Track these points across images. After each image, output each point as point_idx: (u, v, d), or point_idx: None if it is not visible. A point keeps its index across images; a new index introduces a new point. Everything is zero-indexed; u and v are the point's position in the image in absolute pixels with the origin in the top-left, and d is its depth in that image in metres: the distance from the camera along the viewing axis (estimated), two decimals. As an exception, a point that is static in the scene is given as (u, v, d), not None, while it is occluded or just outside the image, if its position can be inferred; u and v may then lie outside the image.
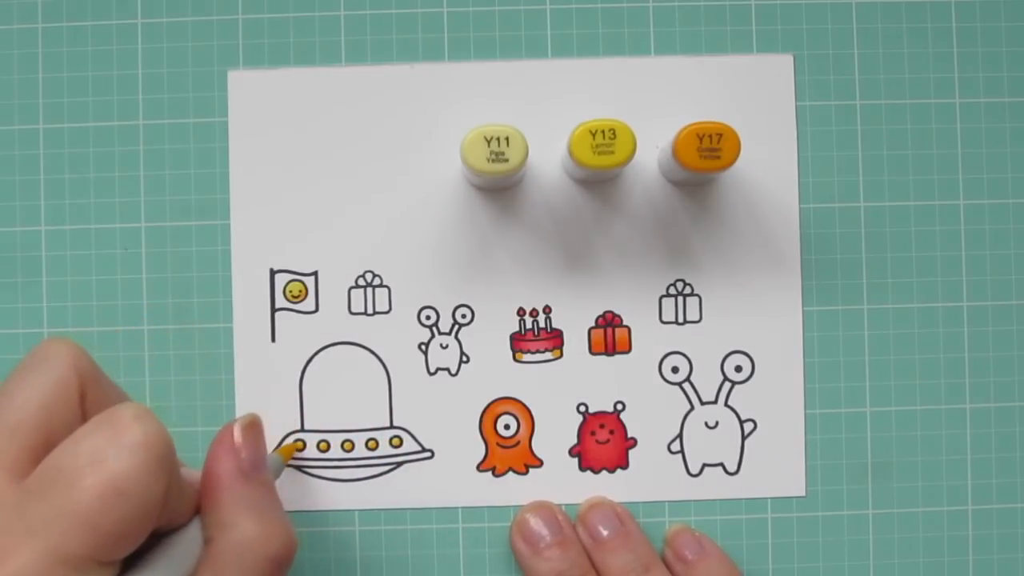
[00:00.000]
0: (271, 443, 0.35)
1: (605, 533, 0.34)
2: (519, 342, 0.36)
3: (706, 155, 0.32)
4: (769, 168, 0.36)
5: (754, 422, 0.36)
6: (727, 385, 0.36)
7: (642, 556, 0.34)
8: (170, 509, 0.25)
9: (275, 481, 0.31)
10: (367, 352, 0.36)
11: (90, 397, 0.26)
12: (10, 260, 0.36)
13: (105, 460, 0.22)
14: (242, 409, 0.36)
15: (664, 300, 0.36)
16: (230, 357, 0.36)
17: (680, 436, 0.36)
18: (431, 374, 0.36)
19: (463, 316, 0.36)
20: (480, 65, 0.36)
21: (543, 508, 0.35)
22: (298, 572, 0.35)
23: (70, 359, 0.25)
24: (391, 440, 0.36)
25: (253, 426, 0.29)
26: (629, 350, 0.36)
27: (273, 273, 0.36)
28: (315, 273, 0.36)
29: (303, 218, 0.36)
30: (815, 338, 0.36)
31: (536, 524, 0.35)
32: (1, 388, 0.26)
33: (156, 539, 0.25)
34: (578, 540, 0.35)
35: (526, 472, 0.36)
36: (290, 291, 0.36)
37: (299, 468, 0.36)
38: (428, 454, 0.36)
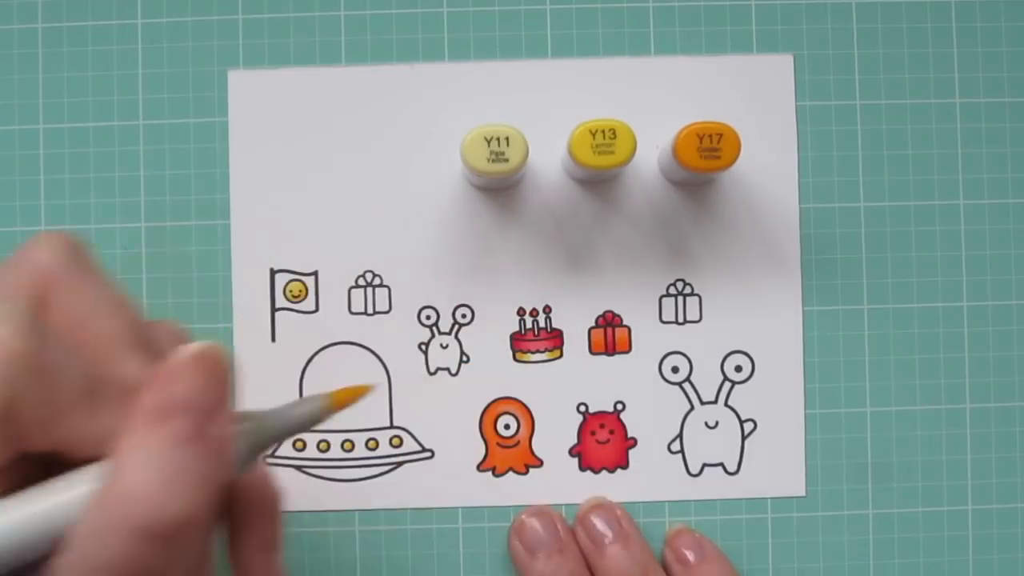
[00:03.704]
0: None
1: (604, 535, 0.34)
2: (519, 342, 0.36)
3: (706, 155, 0.32)
4: (769, 168, 0.36)
5: (754, 422, 0.36)
6: (727, 385, 0.36)
7: (640, 560, 0.34)
8: (48, 428, 0.21)
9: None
10: (367, 352, 0.36)
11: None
12: (10, 260, 0.36)
13: None
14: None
15: (664, 300, 0.36)
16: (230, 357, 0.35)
17: (680, 436, 0.36)
18: (431, 374, 0.36)
19: (463, 316, 0.36)
20: (480, 65, 0.36)
21: (542, 513, 0.35)
22: (298, 572, 0.35)
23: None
24: (391, 440, 0.36)
25: (207, 359, 0.22)
26: (629, 350, 0.36)
27: (273, 273, 0.36)
28: (315, 273, 0.36)
29: (303, 218, 0.36)
30: (815, 338, 0.36)
31: (535, 529, 0.34)
32: None
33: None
34: (576, 546, 0.35)
35: (526, 472, 0.36)
36: (290, 291, 0.36)
37: (299, 468, 0.36)
38: (428, 454, 0.36)
